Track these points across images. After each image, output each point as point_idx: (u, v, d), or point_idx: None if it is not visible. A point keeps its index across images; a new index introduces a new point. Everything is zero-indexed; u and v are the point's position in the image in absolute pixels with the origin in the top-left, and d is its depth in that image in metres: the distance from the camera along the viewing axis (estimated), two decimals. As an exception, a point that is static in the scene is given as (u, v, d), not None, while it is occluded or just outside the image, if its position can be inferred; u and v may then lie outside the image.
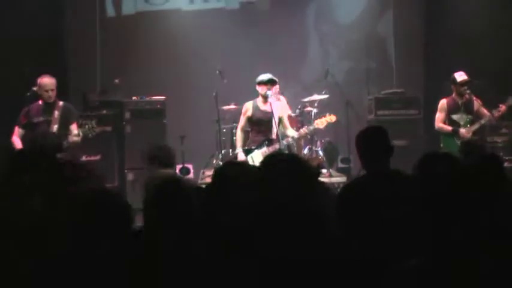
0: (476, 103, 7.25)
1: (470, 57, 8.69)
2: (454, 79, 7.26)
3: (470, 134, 7.17)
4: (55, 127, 6.50)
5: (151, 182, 4.34)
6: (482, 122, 7.23)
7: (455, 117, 7.29)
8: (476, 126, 7.23)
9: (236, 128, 8.57)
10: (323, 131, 8.90)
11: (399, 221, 2.92)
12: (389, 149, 3.44)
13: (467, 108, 7.26)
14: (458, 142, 7.08)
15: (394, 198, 3.07)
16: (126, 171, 8.52)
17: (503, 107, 7.22)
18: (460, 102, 7.28)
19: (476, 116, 7.25)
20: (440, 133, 7.40)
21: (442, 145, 7.37)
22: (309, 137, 8.81)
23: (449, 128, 7.28)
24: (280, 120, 7.11)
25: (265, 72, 7.19)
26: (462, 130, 7.19)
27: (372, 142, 3.47)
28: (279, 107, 7.21)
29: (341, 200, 3.28)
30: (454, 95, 7.32)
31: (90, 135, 6.57)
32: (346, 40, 10.25)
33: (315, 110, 8.70)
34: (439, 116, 7.38)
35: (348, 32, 10.22)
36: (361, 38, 10.16)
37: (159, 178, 4.64)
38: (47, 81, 6.56)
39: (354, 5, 10.23)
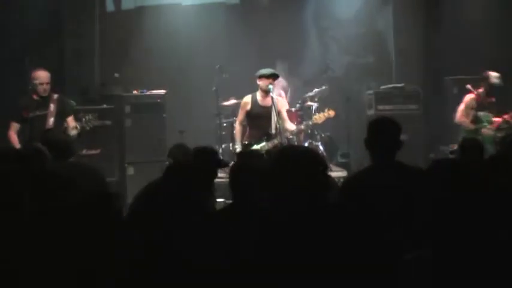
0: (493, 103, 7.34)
1: (470, 52, 8.67)
2: (488, 78, 7.25)
3: (493, 132, 7.22)
4: (51, 120, 6.49)
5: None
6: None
7: (480, 114, 7.34)
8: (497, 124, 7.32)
9: (235, 122, 8.60)
10: (322, 125, 8.97)
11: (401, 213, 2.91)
12: (399, 143, 3.38)
13: (491, 106, 7.33)
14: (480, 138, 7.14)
15: (399, 191, 3.06)
16: (126, 165, 8.51)
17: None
18: (486, 100, 7.32)
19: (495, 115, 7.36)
20: (461, 127, 7.43)
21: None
22: (309, 131, 8.81)
23: (472, 125, 7.33)
24: (279, 114, 7.10)
25: (265, 67, 7.18)
26: (484, 130, 7.24)
27: (385, 134, 3.40)
28: (278, 101, 7.20)
29: (344, 190, 3.27)
30: (481, 91, 7.33)
31: (87, 127, 6.58)
32: (346, 35, 10.23)
33: (315, 105, 8.69)
34: (464, 110, 7.41)
35: (347, 27, 10.19)
36: (361, 33, 10.15)
37: None
38: (42, 74, 6.58)
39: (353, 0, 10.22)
